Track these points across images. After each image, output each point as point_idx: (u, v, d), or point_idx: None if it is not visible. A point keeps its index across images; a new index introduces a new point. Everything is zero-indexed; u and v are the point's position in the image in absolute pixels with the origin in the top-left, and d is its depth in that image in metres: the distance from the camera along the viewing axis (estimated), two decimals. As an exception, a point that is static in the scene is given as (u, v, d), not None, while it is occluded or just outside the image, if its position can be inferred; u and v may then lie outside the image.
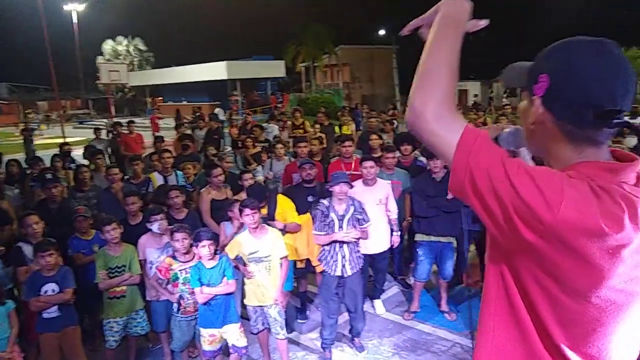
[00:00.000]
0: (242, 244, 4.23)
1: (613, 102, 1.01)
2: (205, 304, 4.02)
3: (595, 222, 0.94)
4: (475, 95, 35.00)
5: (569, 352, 1.07)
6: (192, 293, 4.15)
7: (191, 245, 4.20)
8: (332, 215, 4.43)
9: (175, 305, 4.24)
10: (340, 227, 4.42)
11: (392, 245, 5.31)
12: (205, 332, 4.09)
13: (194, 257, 4.21)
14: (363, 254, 5.06)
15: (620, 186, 1.01)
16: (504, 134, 1.41)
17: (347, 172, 5.86)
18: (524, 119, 1.17)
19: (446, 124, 1.04)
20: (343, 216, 4.44)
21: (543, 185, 0.95)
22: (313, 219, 4.66)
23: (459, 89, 37.30)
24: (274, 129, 11.69)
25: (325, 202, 4.51)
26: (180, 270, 4.15)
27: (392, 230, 5.25)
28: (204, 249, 3.98)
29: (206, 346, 4.11)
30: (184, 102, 36.40)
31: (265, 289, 4.24)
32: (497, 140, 1.38)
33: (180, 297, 4.19)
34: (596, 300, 1.02)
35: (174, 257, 4.20)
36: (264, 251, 4.20)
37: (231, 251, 4.26)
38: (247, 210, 4.12)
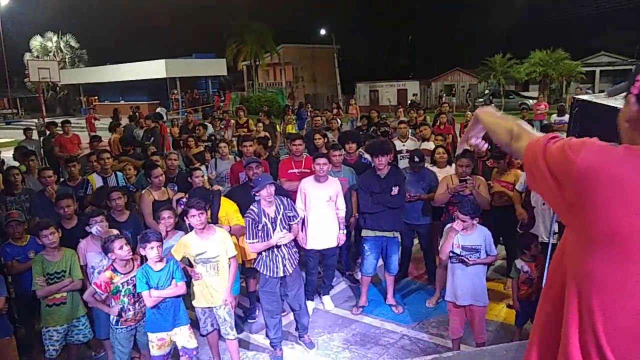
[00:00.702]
0: (189, 245, 4.15)
1: None
2: (153, 307, 3.91)
3: (610, 167, 1.17)
4: (414, 95, 35.97)
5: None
6: (134, 303, 4.03)
7: (133, 252, 4.08)
8: (264, 219, 4.35)
9: (114, 318, 4.06)
10: (275, 229, 4.37)
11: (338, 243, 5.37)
12: (153, 337, 3.98)
13: (134, 267, 4.07)
14: (313, 250, 5.11)
15: None
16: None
17: (297, 170, 5.93)
18: (621, 121, 1.34)
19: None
20: (275, 218, 4.39)
21: (569, 143, 1.25)
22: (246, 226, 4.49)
23: (398, 88, 38.22)
24: (208, 127, 11.49)
25: (254, 207, 4.40)
26: (121, 282, 3.99)
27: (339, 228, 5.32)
28: (152, 250, 3.87)
29: (155, 351, 4.00)
30: (122, 102, 35.15)
31: (214, 290, 4.18)
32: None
33: (122, 309, 4.01)
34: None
35: (114, 270, 4.00)
36: (212, 252, 4.13)
37: (177, 253, 4.17)
38: (192, 211, 4.04)
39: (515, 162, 5.65)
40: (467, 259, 4.18)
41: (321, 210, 5.15)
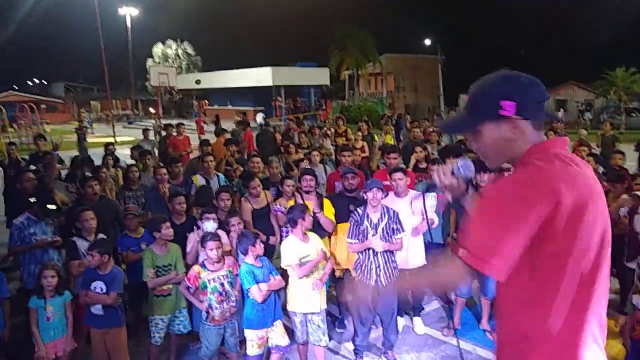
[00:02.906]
0: (294, 248, 4.26)
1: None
2: (259, 304, 4.06)
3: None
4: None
5: None
6: (221, 302, 4.19)
7: (223, 254, 4.28)
8: (366, 223, 4.43)
9: (204, 314, 4.27)
10: (375, 235, 4.40)
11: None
12: (254, 335, 4.12)
13: (223, 267, 4.26)
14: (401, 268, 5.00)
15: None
16: (458, 167, 1.83)
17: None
18: (494, 145, 1.67)
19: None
20: (377, 225, 4.42)
21: None
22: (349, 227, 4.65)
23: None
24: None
25: (359, 210, 4.51)
26: (208, 279, 4.19)
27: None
28: (258, 247, 4.12)
29: (254, 350, 4.15)
30: (229, 106, 37.08)
31: (314, 295, 4.27)
32: (453, 174, 1.85)
33: (209, 306, 4.21)
34: None
35: (203, 266, 4.23)
36: (314, 255, 4.24)
37: (289, 256, 4.25)
38: (305, 216, 4.22)
39: (634, 186, 5.15)
40: None
41: (405, 226, 5.01)
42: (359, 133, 10.67)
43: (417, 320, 5.42)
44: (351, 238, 4.50)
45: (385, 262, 4.45)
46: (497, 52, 50.64)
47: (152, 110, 40.29)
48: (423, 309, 5.59)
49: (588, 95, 34.09)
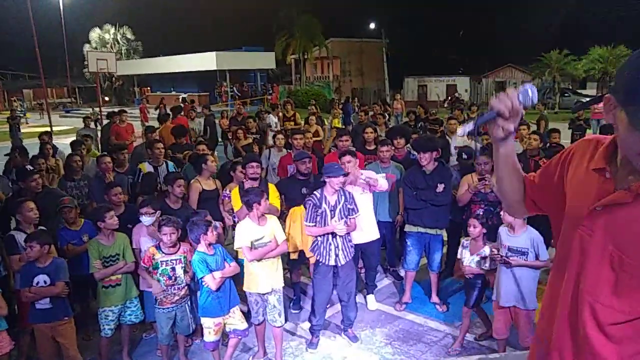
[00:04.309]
0: (248, 232, 4.25)
1: None
2: (214, 292, 4.03)
3: None
4: (466, 90, 35.20)
5: None
6: (170, 286, 4.21)
7: (178, 239, 4.24)
8: (324, 206, 4.48)
9: (154, 298, 4.28)
10: (332, 217, 4.47)
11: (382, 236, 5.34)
12: (210, 322, 4.10)
13: (177, 250, 4.25)
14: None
15: None
16: (526, 91, 1.49)
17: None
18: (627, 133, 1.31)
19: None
20: (335, 207, 4.49)
21: None
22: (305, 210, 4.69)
23: (447, 83, 37.50)
24: (272, 119, 11.67)
25: (317, 193, 4.55)
26: (161, 261, 4.18)
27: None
28: (213, 234, 4.07)
29: (212, 337, 4.13)
30: (172, 92, 36.12)
31: (267, 276, 4.28)
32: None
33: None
34: None
35: (157, 247, 4.22)
36: (268, 237, 4.25)
37: (241, 239, 4.25)
38: (262, 200, 4.21)
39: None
40: (509, 259, 4.10)
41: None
42: (313, 117, 10.58)
43: (370, 297, 5.55)
44: (309, 221, 4.52)
45: (343, 242, 4.54)
46: (438, 35, 51.87)
47: (106, 98, 38.69)
48: (376, 286, 5.72)
49: (525, 77, 35.54)
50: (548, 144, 7.36)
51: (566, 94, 30.40)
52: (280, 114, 12.54)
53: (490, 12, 47.58)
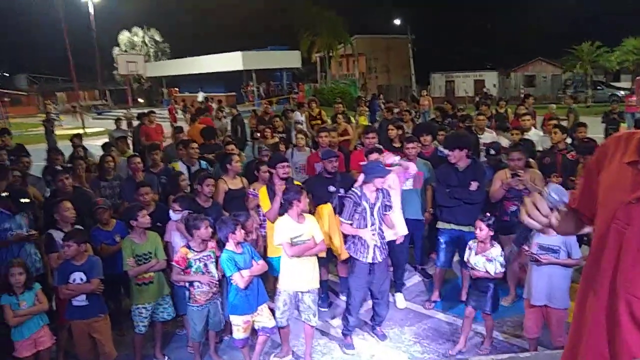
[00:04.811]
0: (288, 228, 4.29)
1: None
2: (242, 290, 4.08)
3: None
4: (494, 85, 34.59)
5: None
6: (204, 284, 4.27)
7: (212, 235, 4.31)
8: (364, 203, 4.48)
9: (187, 296, 4.35)
10: (372, 214, 4.50)
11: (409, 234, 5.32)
12: (239, 320, 4.16)
13: (206, 247, 4.33)
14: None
15: None
16: (551, 195, 1.59)
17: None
18: None
19: None
20: (374, 204, 4.51)
21: None
22: (341, 207, 4.69)
23: (475, 79, 36.90)
24: (298, 116, 11.78)
25: (357, 191, 4.54)
26: (194, 259, 4.26)
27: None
28: (238, 233, 4.12)
29: (241, 334, 4.19)
30: (200, 93, 36.54)
31: (304, 275, 4.32)
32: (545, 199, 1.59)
33: (191, 284, 4.30)
34: None
35: (188, 247, 4.30)
36: (306, 235, 4.28)
37: (281, 235, 4.29)
38: (301, 198, 4.25)
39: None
40: (540, 257, 4.03)
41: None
42: (340, 116, 10.41)
43: (399, 295, 5.54)
44: (347, 218, 4.53)
45: (381, 239, 4.55)
46: (465, 30, 51.03)
47: (140, 100, 39.51)
48: (404, 284, 5.71)
49: (555, 70, 34.69)
50: (573, 139, 7.16)
51: (599, 87, 29.55)
52: (306, 112, 12.55)
53: (521, 4, 46.60)
